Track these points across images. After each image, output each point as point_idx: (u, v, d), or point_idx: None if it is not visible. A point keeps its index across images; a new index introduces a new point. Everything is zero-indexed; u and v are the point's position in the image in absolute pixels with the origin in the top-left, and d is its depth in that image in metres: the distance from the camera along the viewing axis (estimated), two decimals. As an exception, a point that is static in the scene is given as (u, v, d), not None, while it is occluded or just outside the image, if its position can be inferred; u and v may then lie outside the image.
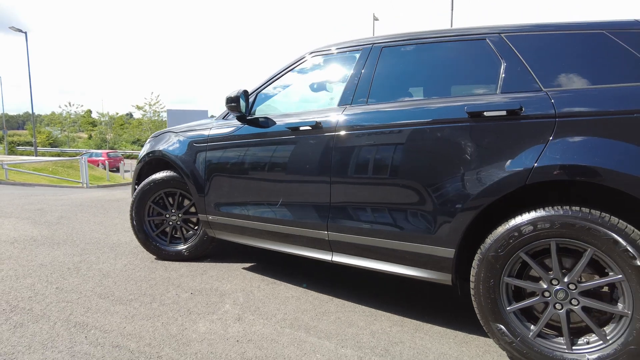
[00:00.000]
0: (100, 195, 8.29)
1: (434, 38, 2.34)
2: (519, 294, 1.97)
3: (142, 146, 3.72)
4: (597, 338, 1.76)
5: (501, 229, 1.90)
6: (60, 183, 14.89)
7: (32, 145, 34.82)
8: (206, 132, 3.10)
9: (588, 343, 1.78)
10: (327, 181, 2.41)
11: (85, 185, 14.12)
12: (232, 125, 2.96)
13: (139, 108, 44.04)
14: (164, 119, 40.57)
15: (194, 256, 3.38)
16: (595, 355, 1.73)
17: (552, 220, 1.78)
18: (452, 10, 17.13)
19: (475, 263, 1.97)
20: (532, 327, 1.90)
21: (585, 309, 1.78)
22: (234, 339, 2.09)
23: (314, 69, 2.92)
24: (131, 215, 3.42)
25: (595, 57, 1.90)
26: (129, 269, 3.12)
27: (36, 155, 29.70)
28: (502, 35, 2.11)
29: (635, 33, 1.83)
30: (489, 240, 1.92)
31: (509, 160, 1.88)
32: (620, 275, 1.68)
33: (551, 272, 1.85)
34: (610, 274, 1.73)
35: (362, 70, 2.49)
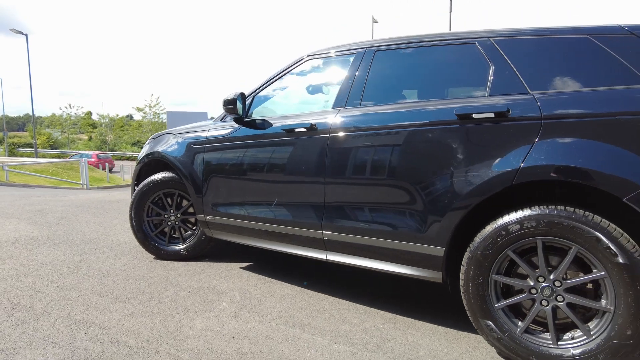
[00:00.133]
0: (100, 196, 8.35)
1: (426, 42, 2.40)
2: (507, 291, 2.03)
3: (142, 148, 3.78)
4: (581, 333, 1.81)
5: (489, 228, 1.95)
6: (60, 184, 14.95)
7: (32, 147, 34.91)
8: (204, 134, 3.16)
9: (573, 338, 1.84)
10: (322, 182, 2.47)
11: (85, 186, 14.20)
12: (229, 127, 3.01)
13: (139, 110, 44.19)
14: (164, 121, 40.67)
15: (192, 256, 3.43)
16: (579, 350, 1.78)
17: (538, 219, 1.83)
18: (450, 12, 17.23)
19: (464, 261, 2.03)
20: (519, 323, 1.95)
21: (570, 305, 1.84)
22: (229, 335, 2.14)
23: (310, 72, 2.98)
24: (130, 215, 3.48)
25: (580, 61, 1.96)
26: (128, 268, 3.17)
27: (36, 157, 29.76)
28: (491, 39, 2.17)
29: (617, 38, 1.89)
30: (478, 239, 1.98)
31: (497, 161, 1.94)
32: (603, 272, 1.74)
33: (538, 270, 1.90)
34: (594, 271, 1.78)
35: (356, 74, 2.55)
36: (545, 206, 1.84)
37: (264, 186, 2.81)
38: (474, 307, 2.01)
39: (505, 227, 1.90)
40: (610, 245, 1.69)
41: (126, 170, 22.34)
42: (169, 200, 3.48)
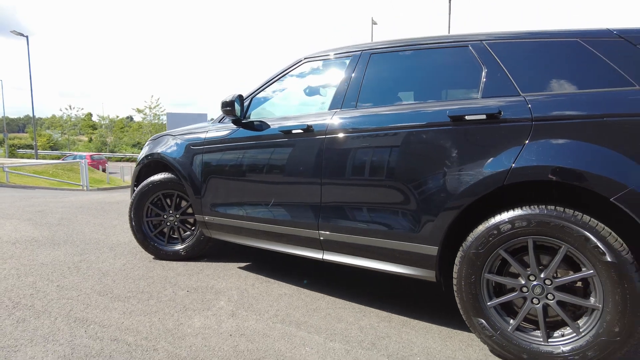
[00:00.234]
0: (100, 197, 8.39)
1: (420, 45, 2.44)
2: (499, 290, 2.06)
3: (142, 149, 3.82)
4: (571, 331, 1.85)
5: (482, 227, 1.99)
6: (61, 186, 15.00)
7: (32, 148, 34.97)
8: (203, 135, 3.20)
9: (563, 335, 1.87)
10: (318, 182, 2.51)
11: (85, 187, 14.23)
12: (227, 128, 3.06)
13: (139, 111, 44.28)
14: (164, 122, 40.73)
15: (191, 256, 3.47)
16: (569, 347, 1.82)
17: (529, 219, 1.87)
18: (449, 13, 17.29)
19: (457, 260, 2.07)
20: (511, 321, 1.99)
21: (560, 303, 1.88)
22: (227, 333, 2.18)
23: (307, 74, 3.03)
24: (130, 216, 3.52)
25: (570, 64, 2.00)
26: (127, 268, 3.21)
27: (37, 158, 29.82)
28: (484, 42, 2.21)
29: (606, 41, 1.93)
30: (470, 238, 2.02)
31: (489, 162, 1.98)
32: (592, 271, 1.77)
33: (529, 269, 1.94)
34: (583, 269, 1.82)
35: (352, 76, 2.60)
36: (535, 206, 1.88)
37: (262, 187, 2.85)
38: (466, 306, 2.05)
39: (497, 226, 1.94)
40: (599, 244, 1.73)
41: (126, 172, 22.39)
42: (168, 201, 3.52)
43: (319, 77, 3.00)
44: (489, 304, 2.02)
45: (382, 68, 2.57)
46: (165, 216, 3.52)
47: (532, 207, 1.89)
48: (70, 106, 68.29)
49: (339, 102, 2.58)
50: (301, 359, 1.96)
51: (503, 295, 2.02)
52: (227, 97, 2.88)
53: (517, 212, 1.91)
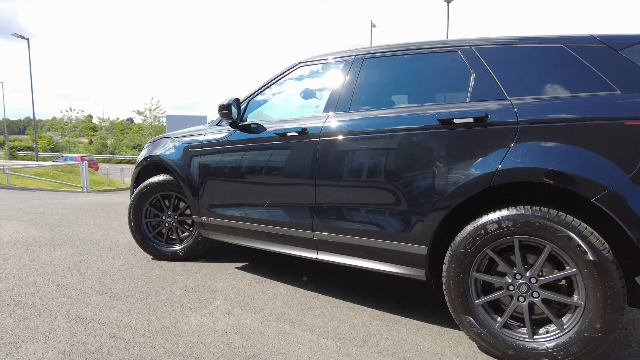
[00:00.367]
0: (100, 199, 8.45)
1: (411, 50, 2.51)
2: (487, 288, 2.12)
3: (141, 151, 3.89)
4: (555, 327, 1.91)
5: (469, 227, 2.05)
6: (61, 187, 15.07)
7: (33, 150, 35.05)
8: (200, 138, 3.27)
9: (547, 332, 1.93)
10: (312, 183, 2.57)
11: (85, 189, 14.30)
12: (224, 131, 3.12)
13: (139, 113, 44.35)
14: (164, 124, 40.79)
15: (189, 256, 3.53)
16: (553, 343, 1.87)
17: (515, 219, 1.93)
18: (447, 16, 17.38)
19: (446, 259, 2.13)
20: (498, 318, 2.04)
21: (545, 300, 1.93)
22: (222, 331, 2.24)
23: (302, 78, 3.09)
24: (129, 217, 3.58)
25: (555, 69, 2.07)
26: (126, 268, 3.27)
27: (37, 160, 29.90)
28: (473, 47, 2.28)
29: (589, 47, 1.99)
30: (459, 238, 2.08)
31: (476, 164, 2.04)
32: (575, 269, 1.83)
33: (515, 268, 2.00)
34: (567, 268, 1.88)
35: (346, 80, 2.66)
36: (521, 207, 1.94)
37: (257, 188, 2.92)
38: (455, 304, 2.11)
39: (484, 226, 2.00)
40: (581, 243, 1.79)
41: (126, 174, 22.44)
42: (166, 202, 3.58)
43: (314, 81, 3.06)
44: (477, 302, 2.07)
45: (374, 72, 2.63)
46: (163, 217, 3.58)
47: (517, 207, 1.95)
48: (70, 108, 68.50)
49: (333, 105, 2.64)
50: (294, 355, 2.02)
51: (490, 294, 2.08)
52: (224, 100, 2.95)
53: (504, 212, 1.97)
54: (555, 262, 1.96)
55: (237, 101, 3.01)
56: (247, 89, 3.12)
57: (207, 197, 3.17)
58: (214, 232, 3.23)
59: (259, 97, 3.15)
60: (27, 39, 27.50)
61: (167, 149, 3.49)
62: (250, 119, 3.11)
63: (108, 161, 40.15)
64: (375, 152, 2.38)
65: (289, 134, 2.70)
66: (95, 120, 57.04)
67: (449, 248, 2.12)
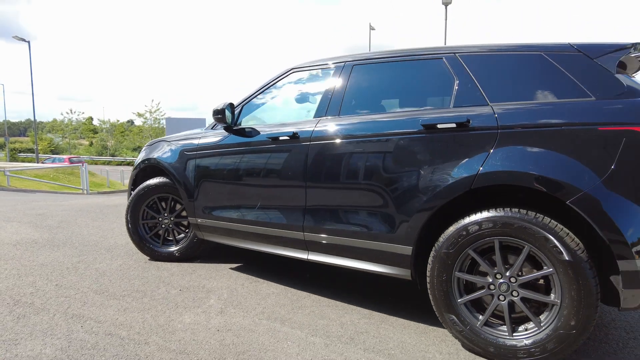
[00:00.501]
0: (99, 201, 8.53)
1: (399, 57, 2.59)
2: (470, 288, 2.20)
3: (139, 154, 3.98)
4: (533, 325, 1.98)
5: (452, 229, 2.13)
6: (61, 189, 15.16)
7: (33, 152, 35.17)
8: (196, 141, 3.35)
9: (526, 330, 2.01)
10: (303, 186, 2.65)
11: (85, 191, 14.38)
12: (219, 135, 3.20)
13: (139, 115, 44.43)
14: (164, 126, 40.88)
15: (185, 257, 3.61)
16: (530, 340, 1.95)
17: (495, 221, 2.01)
18: (445, 19, 17.49)
19: (430, 259, 2.20)
20: (480, 317, 2.12)
21: (524, 299, 2.01)
22: (215, 329, 2.31)
23: (294, 83, 3.18)
24: (127, 219, 3.66)
25: (534, 76, 2.15)
26: (123, 268, 3.35)
27: (37, 162, 30.01)
28: (456, 54, 2.36)
29: (566, 55, 2.07)
30: (442, 238, 2.16)
31: (458, 167, 2.12)
32: (551, 269, 1.91)
33: (496, 267, 2.07)
34: (544, 267, 1.95)
35: (336, 86, 2.75)
36: (501, 209, 2.02)
37: (251, 190, 3.00)
38: (438, 302, 2.19)
39: (465, 227, 2.08)
40: (557, 243, 1.87)
41: (126, 176, 22.53)
42: (163, 204, 3.66)
43: (306, 87, 3.15)
44: (459, 300, 2.15)
45: (363, 78, 2.72)
46: (160, 219, 3.66)
47: (497, 209, 2.03)
48: (71, 110, 68.72)
49: (323, 110, 2.72)
50: (282, 352, 2.09)
51: (472, 293, 2.15)
52: (219, 105, 3.03)
53: (484, 214, 2.05)
54: (534, 262, 2.04)
55: (231, 106, 3.09)
56: (247, 90, 3.21)
57: (202, 199, 3.25)
58: (209, 233, 3.31)
59: (253, 102, 3.24)
60: (28, 42, 27.68)
61: (163, 152, 3.58)
62: (244, 123, 3.19)
63: (108, 163, 40.26)
64: (362, 155, 2.46)
65: (281, 138, 2.79)
66: (95, 122, 57.16)
67: (433, 248, 2.20)
